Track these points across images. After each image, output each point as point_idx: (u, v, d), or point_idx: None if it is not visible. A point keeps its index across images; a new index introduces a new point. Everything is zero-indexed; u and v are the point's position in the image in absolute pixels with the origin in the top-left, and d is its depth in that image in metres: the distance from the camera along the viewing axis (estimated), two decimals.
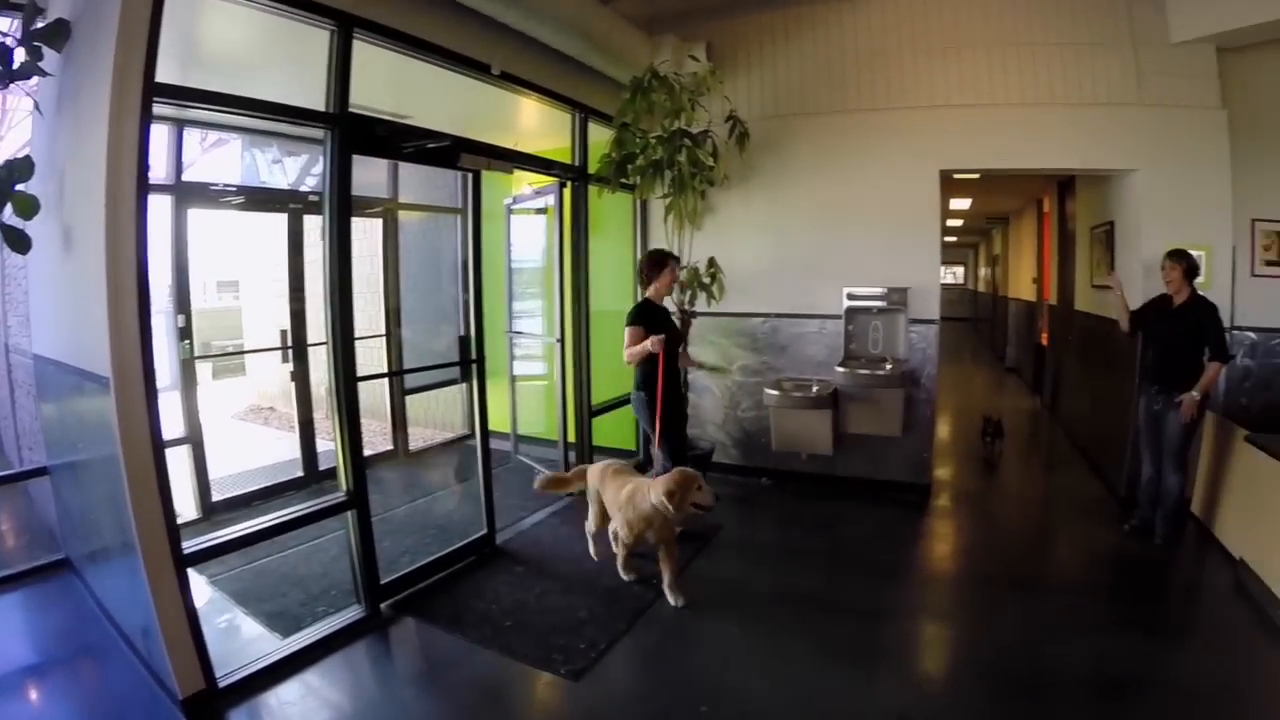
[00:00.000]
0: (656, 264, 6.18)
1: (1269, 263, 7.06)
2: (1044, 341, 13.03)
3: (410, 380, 8.45)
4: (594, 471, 5.65)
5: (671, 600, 5.08)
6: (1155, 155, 6.90)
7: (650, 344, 5.72)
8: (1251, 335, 7.05)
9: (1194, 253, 6.37)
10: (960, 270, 32.76)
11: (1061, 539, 6.80)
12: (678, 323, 6.67)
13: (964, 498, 7.78)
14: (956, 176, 8.43)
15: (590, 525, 5.70)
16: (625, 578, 5.35)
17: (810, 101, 7.58)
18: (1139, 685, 4.29)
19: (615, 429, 8.07)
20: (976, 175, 9.07)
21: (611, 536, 5.51)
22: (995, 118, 7.13)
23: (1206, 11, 6.62)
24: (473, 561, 5.64)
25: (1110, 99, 6.94)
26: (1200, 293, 6.12)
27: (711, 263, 7.21)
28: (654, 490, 5.00)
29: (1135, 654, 4.64)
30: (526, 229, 8.37)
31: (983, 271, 26.33)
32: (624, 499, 5.18)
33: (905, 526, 6.72)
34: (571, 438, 7.38)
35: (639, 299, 6.29)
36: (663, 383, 5.89)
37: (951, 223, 20.01)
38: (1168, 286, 6.14)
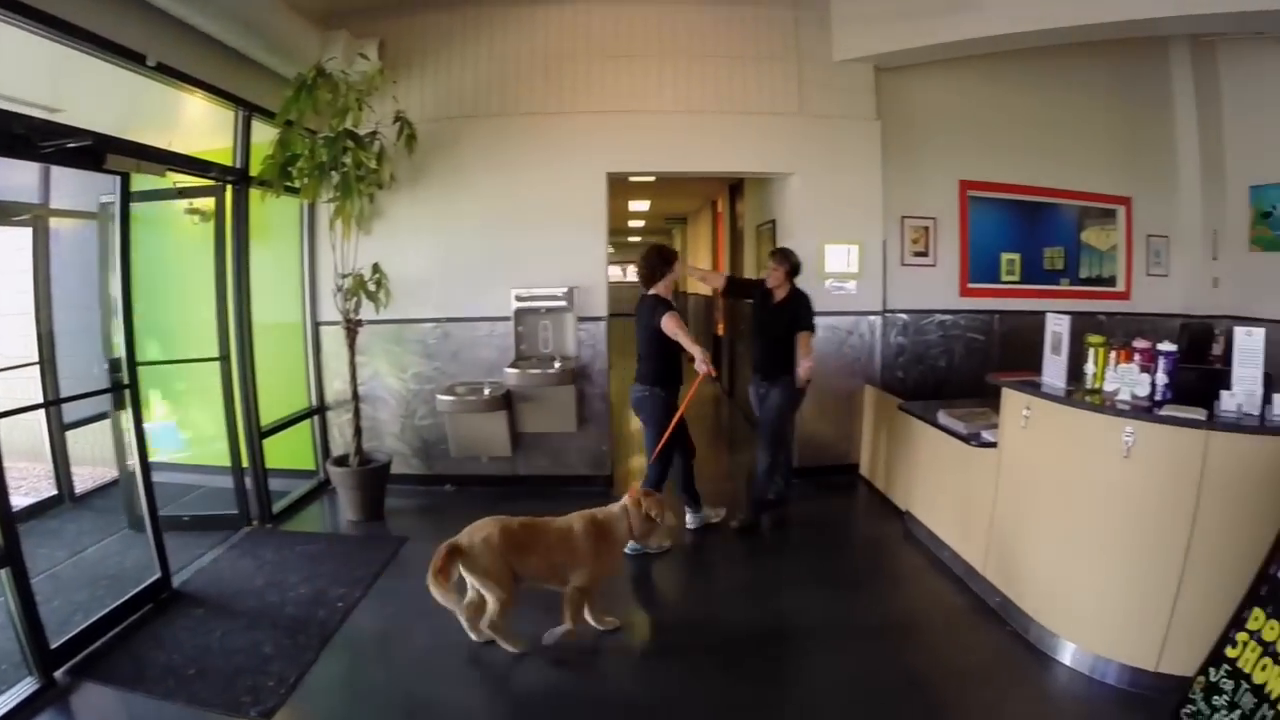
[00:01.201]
0: (667, 260, 6.36)
1: (917, 254, 8.50)
2: (720, 331, 14.41)
3: (73, 413, 7.47)
4: (485, 543, 4.68)
5: (599, 625, 5.02)
6: (815, 160, 8.03)
7: (699, 365, 5.94)
8: (904, 317, 8.50)
9: (847, 247, 7.82)
10: None
11: (744, 511, 7.26)
12: None
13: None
14: (634, 179, 9.20)
15: (491, 620, 4.70)
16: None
17: (483, 104, 7.84)
18: (830, 631, 5.11)
19: (289, 449, 7.75)
20: (652, 178, 9.91)
21: (571, 610, 4.87)
22: (664, 123, 7.84)
23: (866, 35, 7.83)
24: (150, 610, 5.34)
25: (775, 109, 7.95)
26: (799, 287, 7.00)
27: (376, 268, 7.23)
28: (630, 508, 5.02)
29: (824, 605, 5.47)
30: (172, 235, 7.59)
31: None
32: (584, 543, 4.84)
33: None
34: (244, 462, 6.99)
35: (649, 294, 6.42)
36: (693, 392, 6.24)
37: (634, 223, 21.90)
38: (769, 281, 6.93)
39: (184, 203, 7.05)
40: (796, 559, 6.54)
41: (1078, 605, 4.61)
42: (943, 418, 6.11)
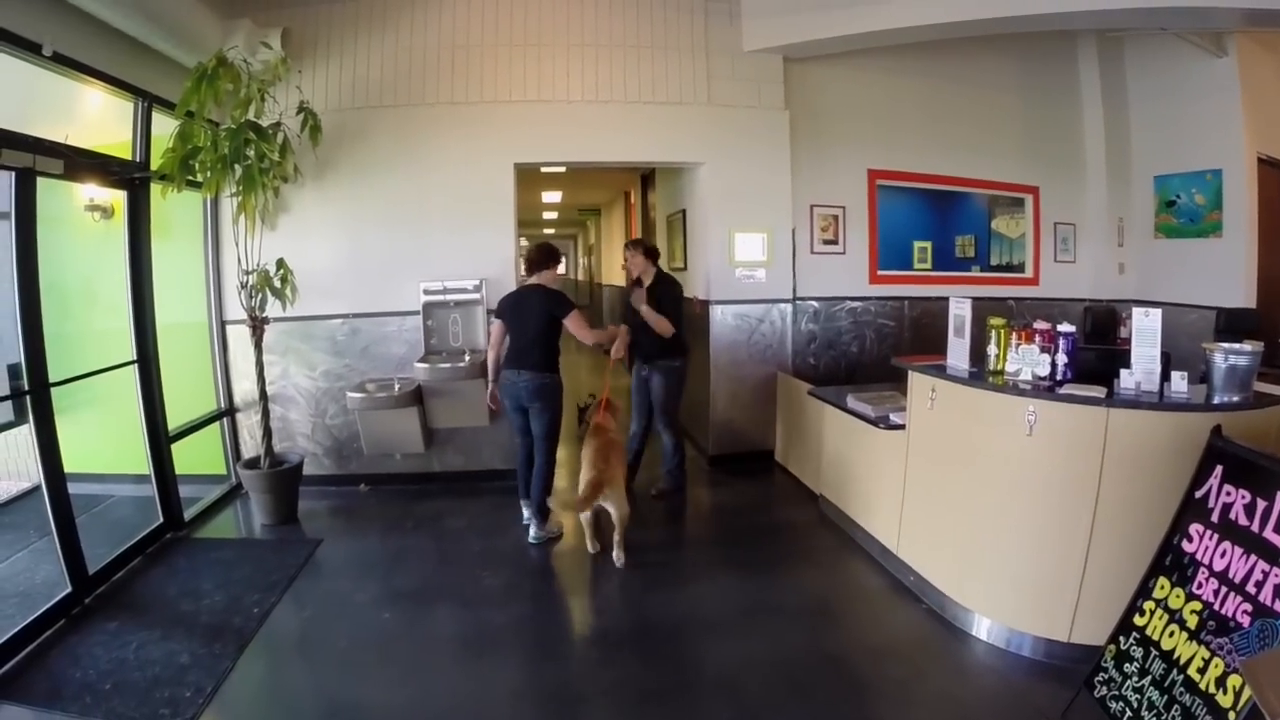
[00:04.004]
0: (555, 258, 6.79)
1: (826, 241, 8.76)
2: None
3: None
4: (619, 460, 6.51)
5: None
6: (724, 150, 8.22)
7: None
8: (814, 304, 8.77)
9: (757, 236, 8.10)
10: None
11: (662, 501, 7.60)
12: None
13: (565, 475, 8.38)
14: (545, 170, 9.32)
15: (622, 532, 6.10)
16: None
17: (389, 94, 7.79)
18: (748, 614, 5.27)
19: (197, 454, 7.56)
20: (563, 169, 10.04)
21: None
22: (573, 114, 7.95)
23: (775, 25, 8.05)
24: (63, 625, 5.24)
25: (684, 99, 8.11)
26: (664, 270, 7.40)
27: (281, 264, 7.07)
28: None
29: (740, 589, 5.66)
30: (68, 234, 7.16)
31: (582, 260, 29.33)
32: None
33: (505, 513, 7.11)
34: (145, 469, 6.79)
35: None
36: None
37: (548, 214, 22.31)
38: (632, 272, 7.34)
39: (84, 199, 6.79)
40: (712, 545, 6.75)
41: (990, 580, 4.85)
42: (851, 402, 6.33)
